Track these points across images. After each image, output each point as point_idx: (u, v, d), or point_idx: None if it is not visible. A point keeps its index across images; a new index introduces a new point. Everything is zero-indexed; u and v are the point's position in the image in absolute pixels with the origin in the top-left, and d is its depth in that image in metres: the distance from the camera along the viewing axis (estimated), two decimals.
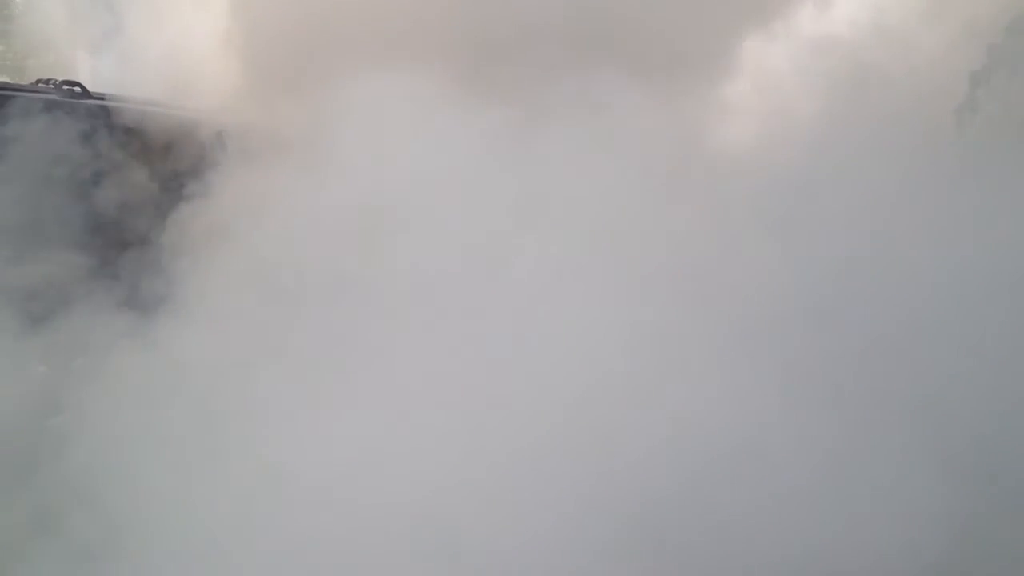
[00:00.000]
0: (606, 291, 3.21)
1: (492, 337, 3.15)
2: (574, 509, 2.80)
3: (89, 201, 3.61)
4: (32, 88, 3.94)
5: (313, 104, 3.66)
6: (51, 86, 3.90)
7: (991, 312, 3.29)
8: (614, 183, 3.44)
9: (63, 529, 2.79)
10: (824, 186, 3.61)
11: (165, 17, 4.38)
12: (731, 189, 3.61)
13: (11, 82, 4.54)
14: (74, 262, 3.42)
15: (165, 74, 4.11)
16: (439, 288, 3.22)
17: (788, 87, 4.12)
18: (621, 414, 2.95)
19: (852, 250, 3.45)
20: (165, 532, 2.77)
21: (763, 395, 3.01)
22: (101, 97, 3.97)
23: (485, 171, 3.45)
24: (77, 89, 3.91)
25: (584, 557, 2.73)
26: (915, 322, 3.28)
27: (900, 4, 4.35)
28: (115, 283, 3.42)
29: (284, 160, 3.60)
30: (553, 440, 2.89)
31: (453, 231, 3.32)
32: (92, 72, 5.14)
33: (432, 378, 3.02)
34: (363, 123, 3.54)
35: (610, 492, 2.82)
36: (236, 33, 4.17)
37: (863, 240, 3.48)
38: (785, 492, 2.87)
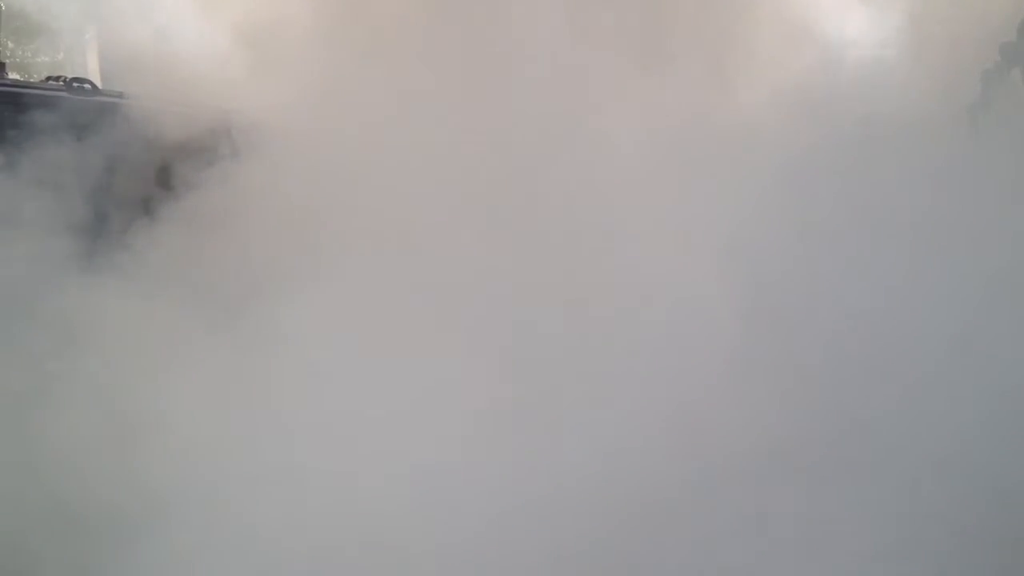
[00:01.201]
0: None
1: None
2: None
3: (98, 198, 3.62)
4: (42, 86, 3.95)
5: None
6: (61, 83, 3.91)
7: (998, 311, 3.27)
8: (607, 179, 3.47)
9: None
10: (833, 185, 3.59)
11: (169, 14, 4.37)
12: (737, 187, 3.59)
13: (22, 79, 4.55)
14: (78, 259, 3.41)
15: (171, 71, 4.10)
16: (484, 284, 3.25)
17: (796, 85, 4.10)
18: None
19: (859, 250, 3.44)
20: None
21: (759, 388, 3.02)
22: (111, 94, 3.97)
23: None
24: (87, 86, 3.91)
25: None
26: (923, 322, 3.27)
27: (913, 1, 4.32)
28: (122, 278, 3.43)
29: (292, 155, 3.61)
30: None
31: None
32: (102, 69, 5.15)
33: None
34: None
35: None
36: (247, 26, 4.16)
37: (872, 239, 3.47)
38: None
